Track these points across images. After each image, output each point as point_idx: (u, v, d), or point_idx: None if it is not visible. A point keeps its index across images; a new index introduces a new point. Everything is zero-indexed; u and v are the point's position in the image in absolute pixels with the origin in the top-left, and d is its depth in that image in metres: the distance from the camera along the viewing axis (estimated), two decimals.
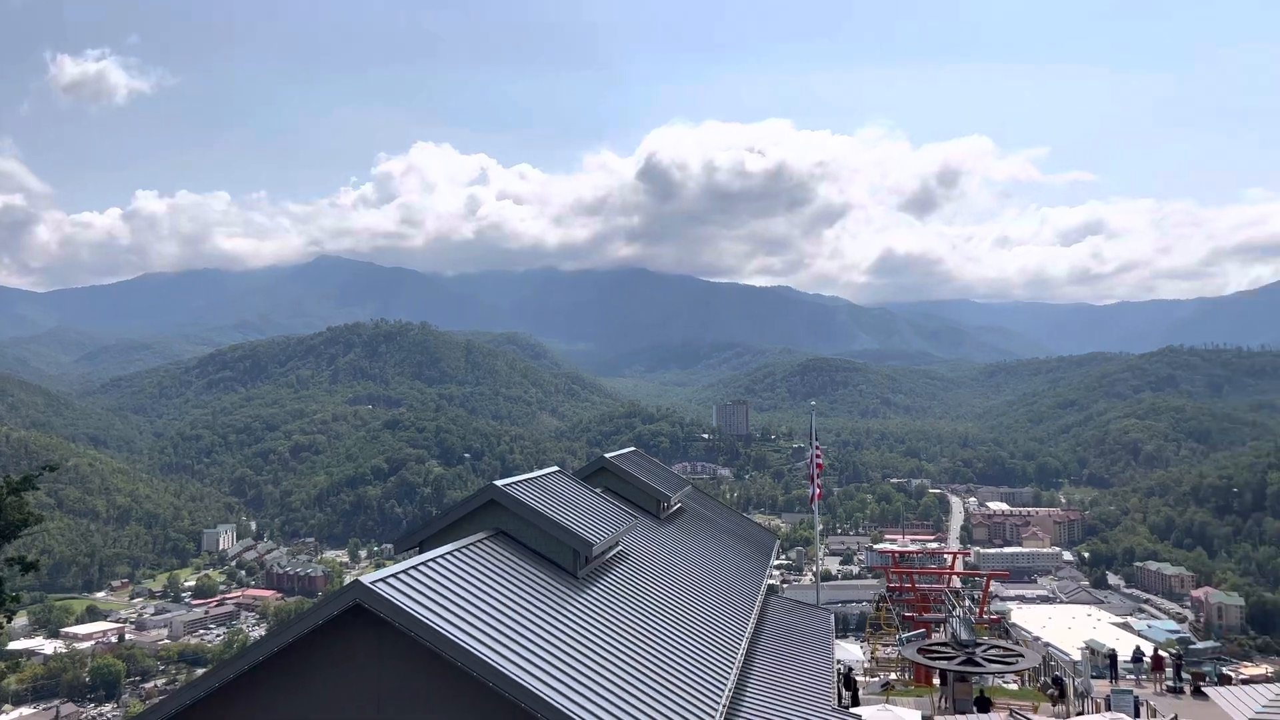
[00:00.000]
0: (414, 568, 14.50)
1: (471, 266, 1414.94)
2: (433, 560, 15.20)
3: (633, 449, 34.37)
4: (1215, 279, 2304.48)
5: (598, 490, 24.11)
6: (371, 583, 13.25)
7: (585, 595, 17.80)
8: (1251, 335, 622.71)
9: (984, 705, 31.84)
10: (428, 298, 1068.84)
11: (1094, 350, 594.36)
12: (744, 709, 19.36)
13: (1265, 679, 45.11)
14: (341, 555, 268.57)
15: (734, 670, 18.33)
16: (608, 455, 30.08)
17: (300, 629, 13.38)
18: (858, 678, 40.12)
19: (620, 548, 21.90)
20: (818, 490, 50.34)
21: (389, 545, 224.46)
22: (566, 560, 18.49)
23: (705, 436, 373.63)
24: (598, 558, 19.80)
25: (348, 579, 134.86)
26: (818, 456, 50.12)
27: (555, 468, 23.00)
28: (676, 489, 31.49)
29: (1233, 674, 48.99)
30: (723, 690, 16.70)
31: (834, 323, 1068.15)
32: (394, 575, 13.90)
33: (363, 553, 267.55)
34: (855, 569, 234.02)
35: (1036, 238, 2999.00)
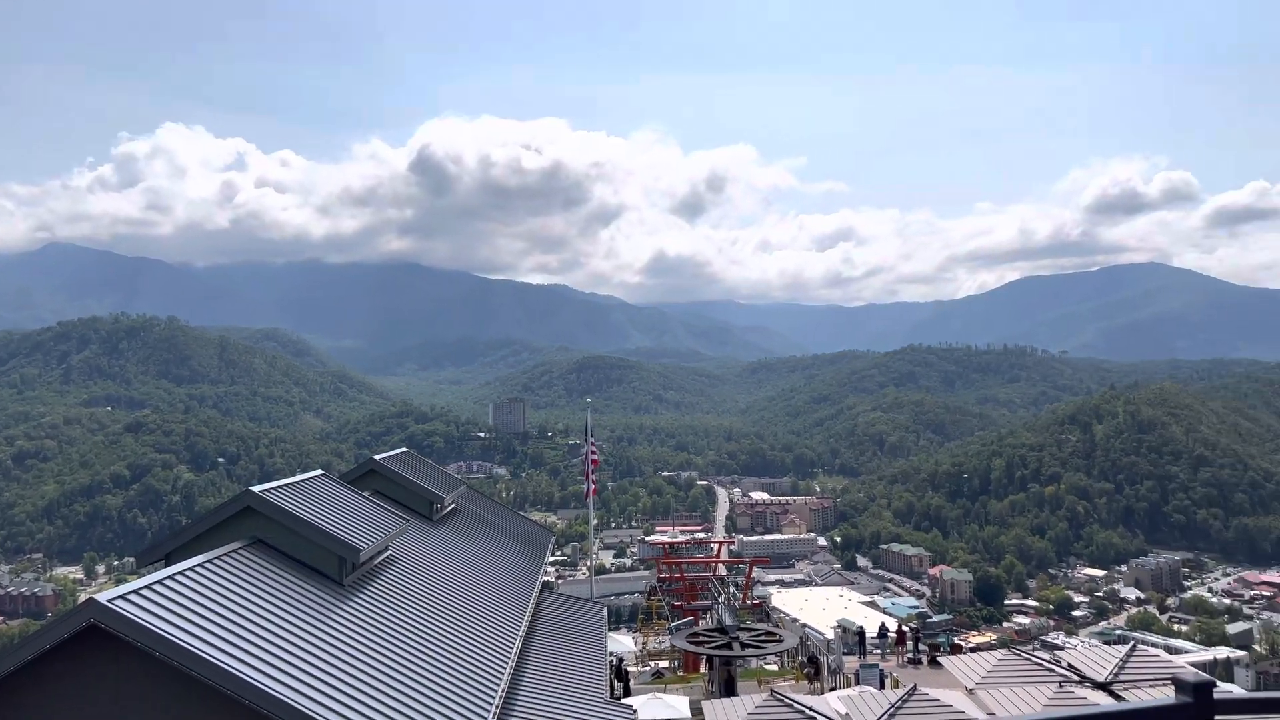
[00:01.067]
0: (159, 582, 13.38)
1: (226, 257, 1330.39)
2: (181, 573, 14.10)
3: (404, 450, 33.44)
4: (949, 283, 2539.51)
5: (366, 494, 23.27)
6: (109, 600, 12.12)
7: (352, 603, 17.13)
8: (979, 335, 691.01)
9: (730, 687, 33.48)
10: (176, 290, 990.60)
11: (845, 349, 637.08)
12: (518, 708, 19.32)
13: (989, 646, 50.11)
14: (75, 571, 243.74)
15: (507, 670, 18.24)
16: (377, 457, 29.09)
17: (24, 655, 12.03)
18: (629, 669, 41.00)
19: (390, 552, 21.24)
20: (593, 486, 50.97)
21: (131, 559, 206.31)
22: (331, 568, 17.71)
23: (481, 435, 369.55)
24: (365, 564, 19.10)
25: (82, 597, 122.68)
26: (593, 453, 50.71)
27: (319, 471, 21.97)
28: (450, 490, 30.93)
29: (963, 643, 53.96)
30: (495, 691, 16.58)
31: (609, 321, 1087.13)
32: (135, 591, 12.77)
33: (100, 568, 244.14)
34: (628, 561, 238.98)
35: (795, 243, 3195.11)
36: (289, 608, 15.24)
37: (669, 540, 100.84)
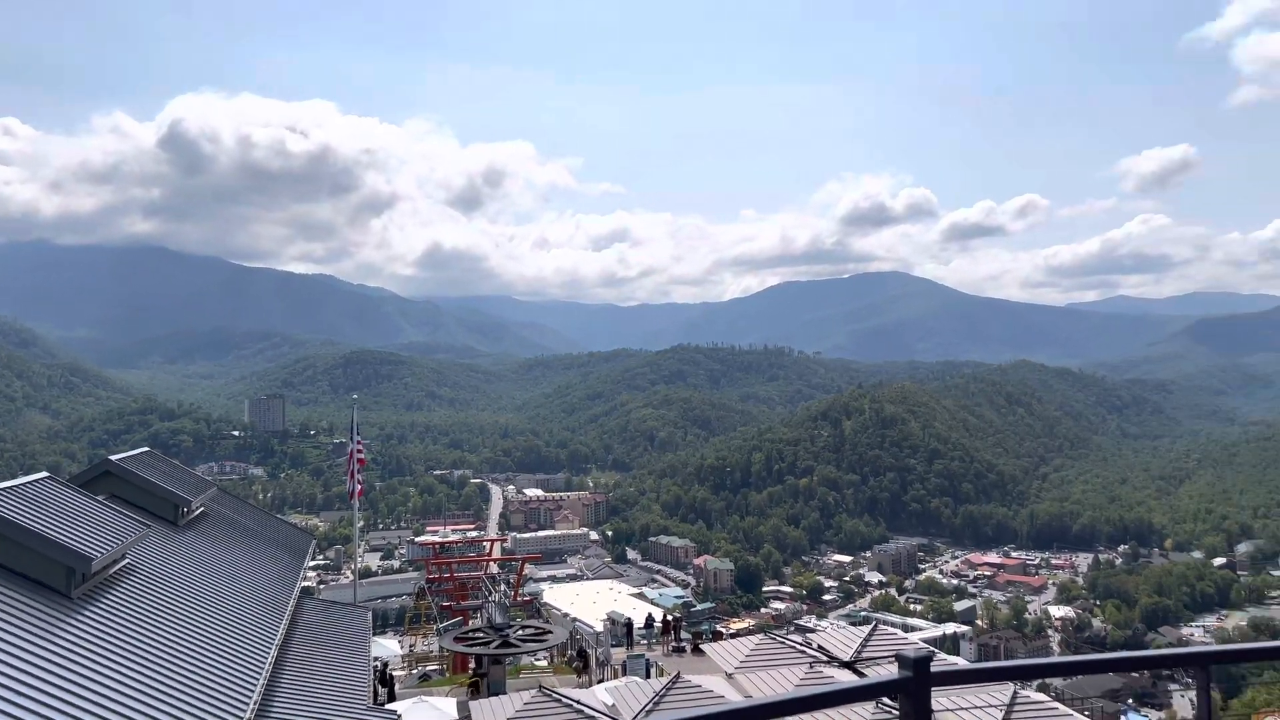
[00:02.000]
0: None
1: None
2: None
3: (146, 449, 30.91)
4: (717, 286, 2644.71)
5: (100, 498, 21.29)
6: None
7: (82, 618, 15.60)
8: (743, 335, 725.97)
9: (475, 689, 33.50)
10: None
11: (620, 347, 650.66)
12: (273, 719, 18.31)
13: (748, 632, 52.69)
14: None
15: (260, 681, 17.26)
16: (113, 457, 26.70)
17: None
18: (395, 673, 39.96)
19: (128, 561, 19.54)
20: (359, 486, 49.17)
21: None
22: (59, 580, 16.07)
23: (236, 434, 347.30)
24: (98, 574, 17.47)
25: None
26: (359, 451, 48.92)
27: (45, 473, 19.88)
28: (198, 492, 28.89)
29: (724, 630, 56.54)
30: (247, 705, 15.64)
31: (380, 314, 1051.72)
32: None
33: None
34: (396, 563, 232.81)
35: (572, 241, 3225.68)
36: (7, 626, 13.68)
37: (439, 540, 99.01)
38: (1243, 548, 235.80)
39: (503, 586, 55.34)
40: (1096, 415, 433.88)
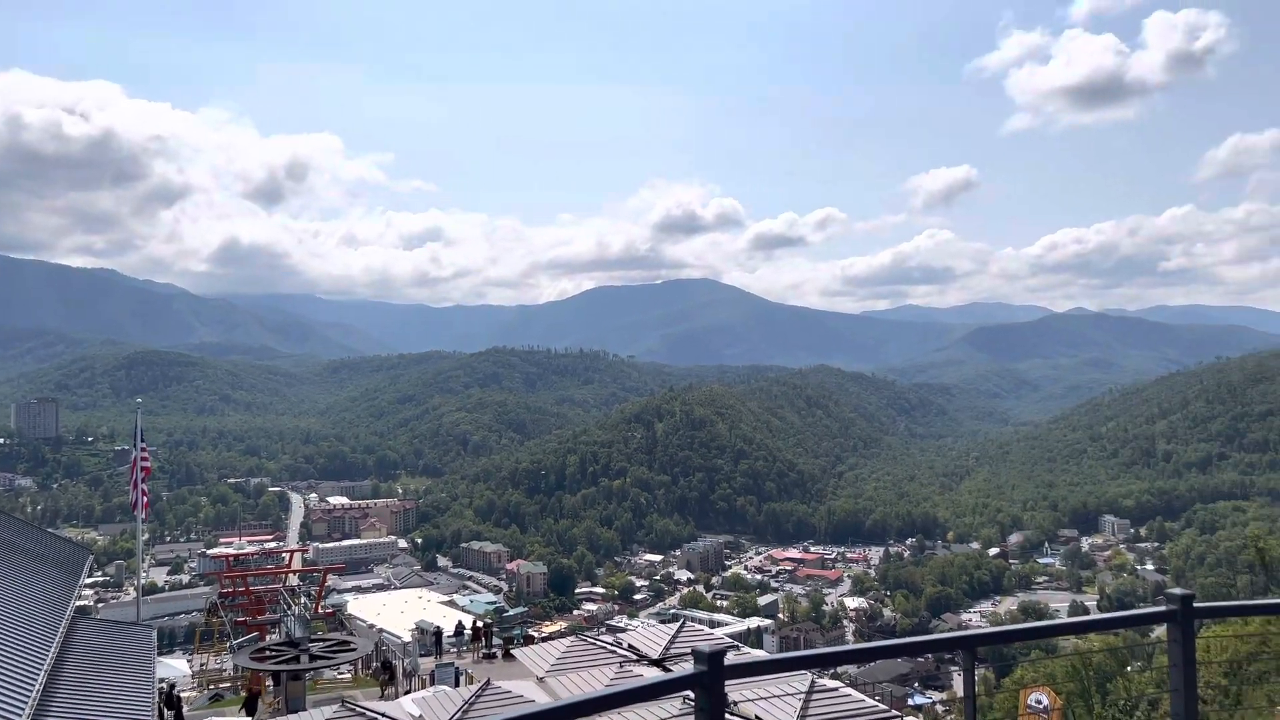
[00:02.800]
0: None
1: None
2: None
3: None
4: (533, 289, 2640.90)
5: None
6: None
7: None
8: (559, 339, 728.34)
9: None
10: None
11: (432, 349, 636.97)
12: None
13: (560, 635, 52.77)
14: None
15: (25, 713, 15.67)
16: None
17: None
18: (182, 694, 37.45)
19: None
20: (143, 496, 45.67)
21: None
22: None
23: (1, 441, 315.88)
24: None
25: None
26: (144, 459, 45.45)
27: None
28: None
29: (536, 634, 56.31)
30: None
31: (168, 312, 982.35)
32: None
33: None
34: (186, 578, 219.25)
35: (382, 239, 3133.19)
36: None
37: (234, 552, 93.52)
38: (1014, 538, 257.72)
39: (303, 599, 52.89)
40: (887, 416, 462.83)
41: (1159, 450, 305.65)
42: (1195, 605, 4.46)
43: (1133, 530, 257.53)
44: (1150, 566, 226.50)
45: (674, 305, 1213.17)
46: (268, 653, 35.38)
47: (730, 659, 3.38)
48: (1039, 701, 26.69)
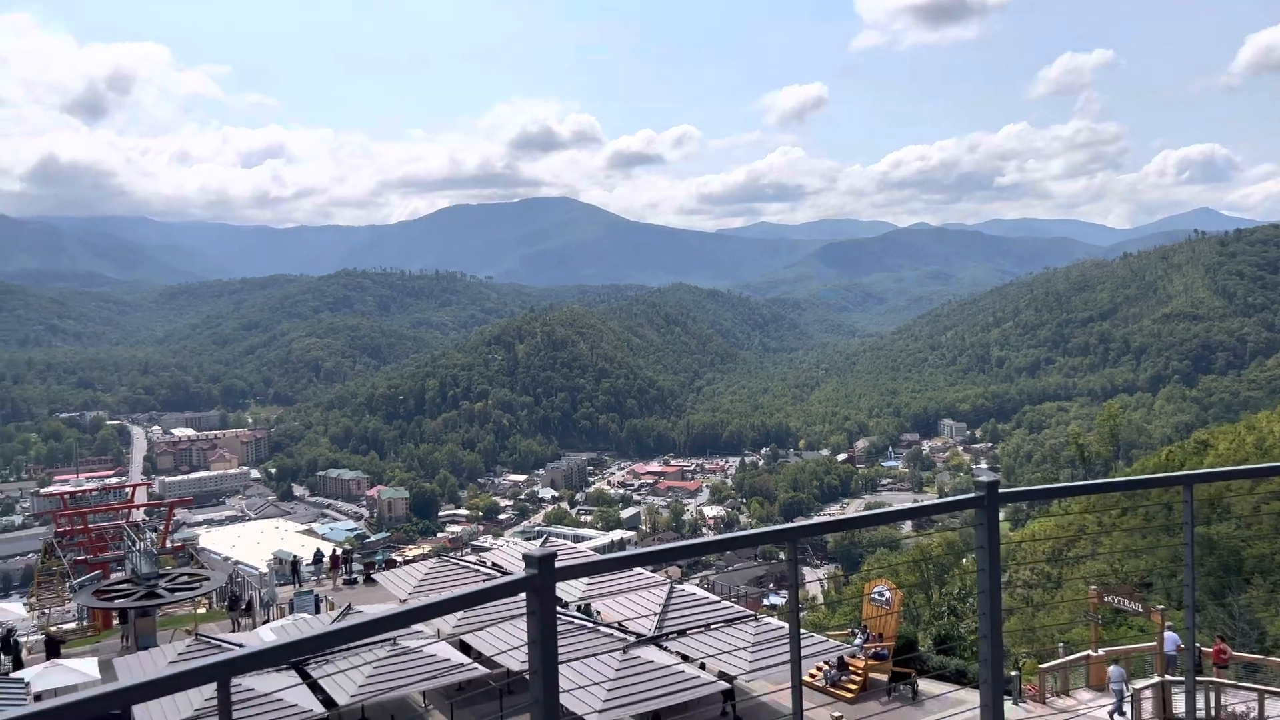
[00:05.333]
0: None
1: None
2: None
3: None
4: (383, 208, 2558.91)
5: None
6: None
7: None
8: (413, 260, 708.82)
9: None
10: None
11: (277, 272, 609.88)
12: None
13: (423, 558, 52.56)
14: None
15: None
16: None
17: None
18: (21, 638, 35.68)
19: None
20: None
21: None
22: None
23: None
24: None
25: None
26: None
27: None
28: None
29: (399, 558, 55.93)
30: None
31: None
32: None
33: None
34: (19, 519, 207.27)
35: (218, 157, 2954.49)
36: None
37: (70, 490, 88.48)
38: (860, 444, 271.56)
39: (149, 535, 50.83)
40: (743, 332, 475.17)
41: (993, 356, 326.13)
42: (1000, 491, 4.65)
43: (969, 432, 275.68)
44: (984, 465, 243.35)
45: (532, 225, 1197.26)
46: (111, 590, 34.04)
47: (561, 561, 3.48)
48: (881, 594, 28.55)
